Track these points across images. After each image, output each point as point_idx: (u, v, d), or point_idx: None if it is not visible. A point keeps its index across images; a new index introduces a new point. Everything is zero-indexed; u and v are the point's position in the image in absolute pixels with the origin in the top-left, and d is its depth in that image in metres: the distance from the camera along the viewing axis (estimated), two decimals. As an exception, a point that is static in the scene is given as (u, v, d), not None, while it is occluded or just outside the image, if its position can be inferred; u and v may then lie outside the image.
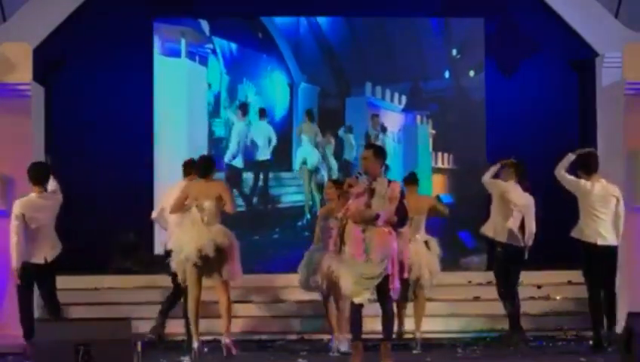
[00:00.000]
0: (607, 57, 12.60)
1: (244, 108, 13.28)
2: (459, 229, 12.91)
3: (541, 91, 13.65)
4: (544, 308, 11.75)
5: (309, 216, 13.22)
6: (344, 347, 9.90)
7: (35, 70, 10.85)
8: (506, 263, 10.43)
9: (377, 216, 8.52)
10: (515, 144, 13.10)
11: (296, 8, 13.55)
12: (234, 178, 13.15)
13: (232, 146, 13.27)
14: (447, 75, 13.59)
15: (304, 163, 13.43)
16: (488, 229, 10.53)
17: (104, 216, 12.85)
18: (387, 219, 8.55)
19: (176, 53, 13.21)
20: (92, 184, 12.90)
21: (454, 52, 13.53)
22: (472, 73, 13.52)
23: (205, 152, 12.25)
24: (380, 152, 8.88)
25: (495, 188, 10.51)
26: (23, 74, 10.69)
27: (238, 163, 13.34)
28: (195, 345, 9.61)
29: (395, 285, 8.60)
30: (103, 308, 11.39)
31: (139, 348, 8.37)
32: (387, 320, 8.70)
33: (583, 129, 13.61)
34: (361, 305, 8.63)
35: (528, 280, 11.95)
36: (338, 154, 13.46)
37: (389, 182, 8.79)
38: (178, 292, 10.28)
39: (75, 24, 13.03)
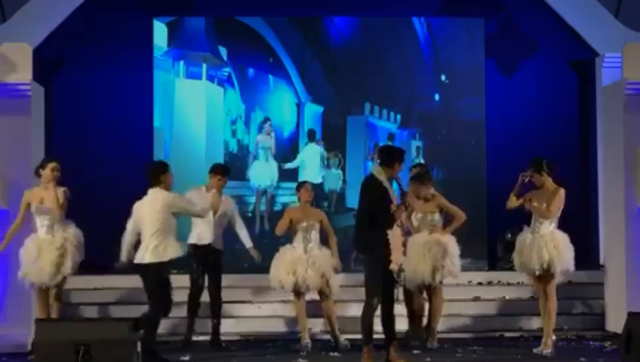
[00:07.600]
0: (607, 57, 12.60)
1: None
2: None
3: (541, 91, 13.65)
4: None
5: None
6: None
7: (35, 70, 10.84)
8: None
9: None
10: (515, 144, 13.12)
11: (295, 10, 13.57)
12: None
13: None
14: (439, 96, 13.74)
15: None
16: None
17: (104, 216, 12.82)
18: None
19: (197, 76, 13.61)
20: (92, 184, 12.88)
21: (444, 77, 13.70)
22: (469, 75, 13.55)
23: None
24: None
25: None
26: (23, 74, 10.67)
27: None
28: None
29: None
30: (103, 308, 11.38)
31: (139, 347, 8.38)
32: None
33: (583, 129, 13.61)
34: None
35: (528, 280, 11.93)
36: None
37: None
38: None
39: (75, 24, 13.05)
